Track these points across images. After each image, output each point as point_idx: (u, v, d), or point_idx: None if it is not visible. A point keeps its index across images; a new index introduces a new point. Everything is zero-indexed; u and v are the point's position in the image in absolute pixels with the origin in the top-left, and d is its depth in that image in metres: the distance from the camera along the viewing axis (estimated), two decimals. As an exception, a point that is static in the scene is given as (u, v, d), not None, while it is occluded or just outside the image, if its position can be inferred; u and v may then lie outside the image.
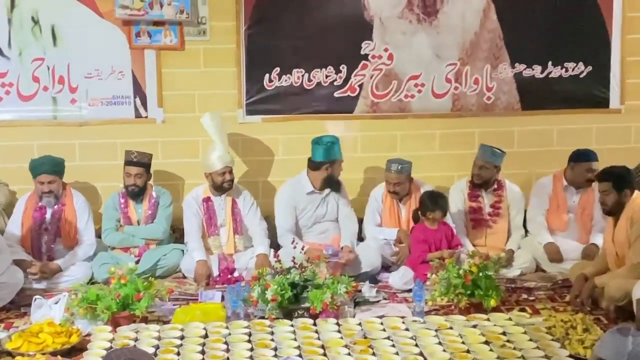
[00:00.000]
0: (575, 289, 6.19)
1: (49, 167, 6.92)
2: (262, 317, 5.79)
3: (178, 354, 5.15)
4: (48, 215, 7.01)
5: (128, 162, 7.16)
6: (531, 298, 6.40)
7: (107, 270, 6.23)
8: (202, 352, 5.13)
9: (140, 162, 7.22)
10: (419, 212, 6.91)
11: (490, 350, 5.12)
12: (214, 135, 7.26)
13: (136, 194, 7.21)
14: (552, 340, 5.30)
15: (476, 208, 7.34)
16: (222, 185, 7.09)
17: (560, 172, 7.34)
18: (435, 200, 6.86)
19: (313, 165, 7.20)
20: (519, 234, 7.35)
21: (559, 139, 7.68)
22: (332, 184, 7.26)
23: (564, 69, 7.91)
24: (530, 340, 5.29)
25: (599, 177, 6.33)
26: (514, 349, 5.15)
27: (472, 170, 7.31)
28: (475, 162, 7.29)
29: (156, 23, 7.53)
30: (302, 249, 6.89)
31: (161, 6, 7.41)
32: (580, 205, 7.22)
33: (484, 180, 7.25)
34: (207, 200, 7.16)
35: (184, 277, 6.94)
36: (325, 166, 7.12)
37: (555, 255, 6.99)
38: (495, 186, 7.33)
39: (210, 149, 7.17)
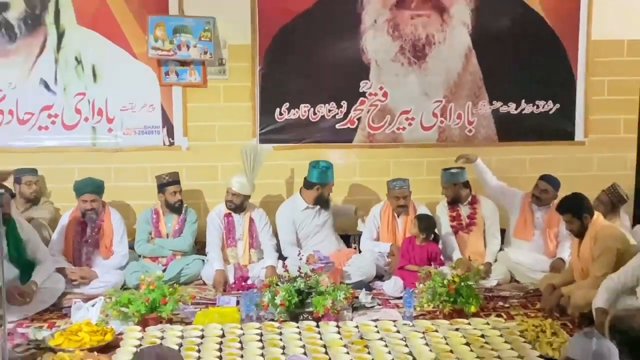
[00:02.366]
0: (545, 297, 6.36)
1: (91, 188, 7.05)
2: (272, 320, 5.93)
3: (199, 351, 5.24)
4: (88, 230, 7.11)
5: (168, 184, 7.27)
6: (506, 305, 6.54)
7: (138, 278, 6.42)
8: (220, 350, 5.25)
9: (177, 180, 7.33)
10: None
11: (471, 350, 5.26)
12: (245, 163, 7.33)
13: (179, 208, 7.33)
14: (525, 342, 5.42)
15: (455, 217, 7.45)
16: (228, 203, 7.19)
17: (529, 192, 7.36)
18: (422, 224, 6.99)
19: (307, 184, 7.33)
20: (495, 243, 7.46)
21: (530, 167, 7.72)
22: (322, 202, 7.36)
23: (535, 106, 8.05)
24: (506, 342, 5.43)
25: (559, 210, 6.45)
26: (492, 349, 5.27)
27: (442, 192, 7.53)
28: (442, 185, 7.46)
29: (183, 63, 7.64)
30: (307, 259, 6.91)
31: (187, 48, 7.52)
32: (544, 221, 7.26)
33: (453, 197, 7.42)
34: (228, 215, 7.22)
35: (204, 284, 7.03)
36: (316, 187, 7.26)
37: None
38: (470, 200, 7.44)
39: (240, 172, 7.27)
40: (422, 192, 7.65)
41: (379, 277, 7.15)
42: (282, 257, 7.32)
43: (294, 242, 7.35)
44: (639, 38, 8.04)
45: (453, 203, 7.50)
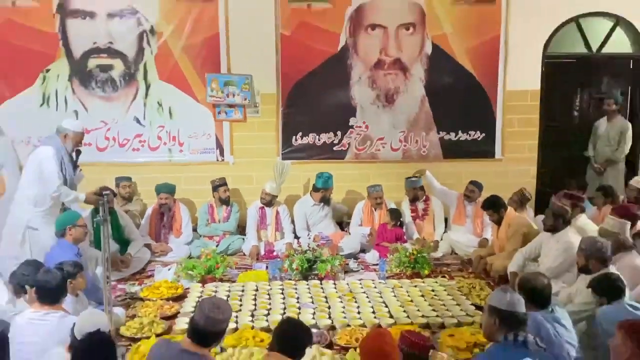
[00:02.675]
0: (475, 265, 6.46)
1: (166, 189, 7.11)
2: (290, 279, 6.00)
3: (240, 300, 5.37)
4: (165, 218, 7.14)
5: (220, 185, 7.24)
6: (448, 270, 6.51)
7: (199, 250, 6.58)
8: (255, 299, 5.39)
9: (225, 183, 7.30)
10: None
11: (425, 300, 5.42)
12: (276, 174, 7.31)
13: (227, 202, 7.29)
14: (461, 295, 5.56)
15: (414, 210, 7.41)
16: (262, 200, 7.14)
17: (463, 193, 7.30)
18: (392, 215, 7.10)
19: (314, 188, 7.29)
20: (441, 227, 7.37)
21: (465, 177, 7.47)
22: (325, 201, 7.31)
23: (468, 135, 7.97)
24: (448, 294, 5.56)
25: (483, 207, 6.50)
26: (439, 299, 5.44)
27: (405, 193, 7.48)
28: (405, 188, 7.44)
29: (230, 105, 7.60)
30: (313, 238, 6.97)
31: (233, 96, 7.51)
32: (473, 212, 7.19)
33: (413, 197, 7.37)
34: (261, 208, 7.18)
35: (244, 254, 6.97)
36: (321, 190, 7.22)
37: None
38: (424, 199, 7.40)
39: (271, 180, 7.21)
40: (391, 193, 7.57)
41: (363, 250, 7.05)
42: (296, 237, 7.26)
43: (305, 227, 7.32)
44: (537, 88, 7.96)
45: (413, 201, 7.47)
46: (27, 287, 4.20)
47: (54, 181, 5.49)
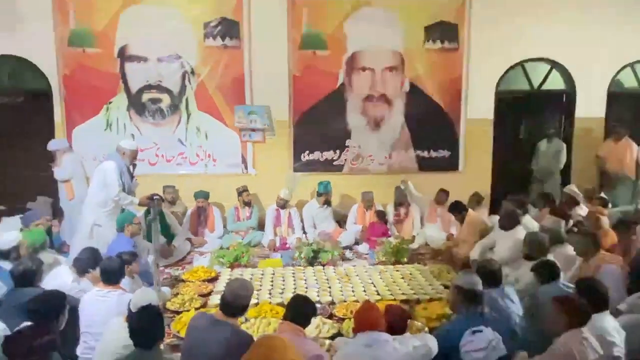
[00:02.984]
0: (444, 254, 6.42)
1: (202, 195, 7.05)
2: (299, 265, 5.95)
3: (261, 281, 5.35)
4: (201, 217, 7.11)
5: (243, 191, 7.18)
6: (423, 258, 6.46)
7: (229, 243, 6.55)
8: (272, 281, 5.34)
9: (247, 190, 7.22)
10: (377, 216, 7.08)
11: (404, 281, 5.41)
12: (288, 183, 7.25)
13: (249, 204, 7.22)
14: (433, 277, 5.54)
15: (397, 214, 7.29)
16: (277, 203, 7.07)
17: (434, 198, 7.27)
18: (380, 215, 7.05)
19: (318, 194, 7.22)
20: (418, 226, 7.23)
21: (435, 186, 7.35)
22: (327, 203, 7.25)
23: (438, 152, 7.91)
24: (423, 276, 5.55)
25: (449, 210, 6.42)
26: (415, 281, 5.40)
27: (394, 199, 7.36)
28: (394, 195, 7.34)
29: (252, 129, 7.53)
30: (318, 234, 6.99)
31: (255, 122, 7.46)
32: (442, 214, 7.09)
33: (400, 202, 7.25)
34: (277, 210, 7.08)
35: (264, 246, 6.91)
36: (323, 195, 7.17)
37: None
38: (406, 205, 7.27)
39: (285, 187, 7.14)
40: (379, 199, 7.41)
41: (356, 243, 6.95)
42: (304, 233, 7.20)
43: (312, 225, 7.26)
44: (491, 117, 7.94)
45: (397, 205, 7.37)
46: (89, 269, 4.26)
47: (114, 188, 5.52)
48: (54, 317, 3.24)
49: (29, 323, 3.10)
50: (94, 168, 6.02)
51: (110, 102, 7.46)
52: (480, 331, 2.91)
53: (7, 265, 4.29)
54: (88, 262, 4.29)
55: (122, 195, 5.59)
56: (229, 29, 7.38)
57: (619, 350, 3.20)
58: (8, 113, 7.41)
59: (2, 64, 7.29)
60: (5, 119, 7.38)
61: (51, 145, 6.68)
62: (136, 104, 7.52)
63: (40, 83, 7.30)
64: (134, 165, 5.96)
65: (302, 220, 7.30)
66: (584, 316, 3.12)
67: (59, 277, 4.29)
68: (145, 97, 7.51)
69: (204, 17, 7.34)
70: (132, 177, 5.91)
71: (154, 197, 5.24)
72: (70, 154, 6.74)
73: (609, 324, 3.30)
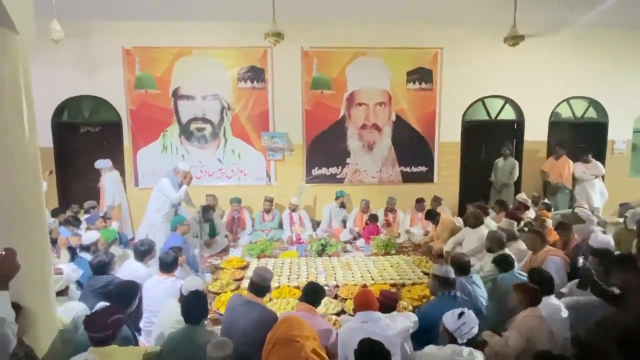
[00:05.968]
0: (423, 248, 6.24)
1: (236, 201, 7.07)
2: (311, 256, 5.88)
3: (281, 269, 5.26)
4: (236, 219, 7.05)
5: (269, 199, 7.11)
6: (407, 251, 6.30)
7: (256, 238, 6.56)
8: (290, 268, 5.26)
9: (271, 199, 7.15)
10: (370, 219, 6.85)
11: (393, 268, 5.31)
12: (297, 193, 7.23)
13: (271, 210, 7.13)
14: (415, 266, 5.43)
15: (387, 217, 7.22)
16: (290, 208, 7.05)
17: (415, 205, 7.09)
18: (372, 218, 6.85)
19: (336, 197, 7.20)
20: (403, 226, 7.14)
21: (416, 195, 7.29)
22: (342, 205, 7.18)
23: (417, 168, 7.79)
24: (407, 265, 5.44)
25: (425, 217, 6.36)
26: (401, 269, 5.28)
27: (386, 205, 7.27)
28: (386, 202, 7.25)
29: (274, 150, 7.52)
30: (325, 231, 6.89)
31: (277, 144, 7.43)
32: (421, 217, 6.97)
33: (391, 209, 7.16)
34: (290, 213, 7.07)
35: (283, 241, 6.78)
36: (339, 198, 7.17)
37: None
38: (394, 210, 7.20)
39: (295, 195, 7.14)
40: (372, 205, 7.33)
41: (355, 238, 6.87)
42: (314, 230, 7.11)
43: (328, 221, 7.20)
44: (458, 141, 7.84)
45: (388, 211, 7.29)
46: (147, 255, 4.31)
47: (172, 196, 5.64)
48: (130, 301, 3.23)
49: (104, 304, 3.09)
50: (153, 180, 6.07)
51: (165, 130, 7.46)
52: (464, 313, 2.79)
53: (87, 257, 4.31)
54: (147, 251, 4.31)
55: (179, 194, 5.70)
56: (256, 74, 7.41)
57: (564, 321, 3.19)
58: (89, 139, 7.54)
59: (85, 101, 7.39)
60: (87, 143, 7.53)
61: (98, 164, 6.74)
62: (186, 132, 7.51)
63: (113, 116, 7.37)
64: (180, 184, 5.87)
65: (311, 220, 7.20)
66: (537, 298, 3.12)
67: (134, 269, 4.21)
68: (193, 126, 7.49)
69: (238, 65, 7.37)
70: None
71: (203, 206, 5.29)
72: (111, 172, 6.86)
73: (555, 304, 3.29)
